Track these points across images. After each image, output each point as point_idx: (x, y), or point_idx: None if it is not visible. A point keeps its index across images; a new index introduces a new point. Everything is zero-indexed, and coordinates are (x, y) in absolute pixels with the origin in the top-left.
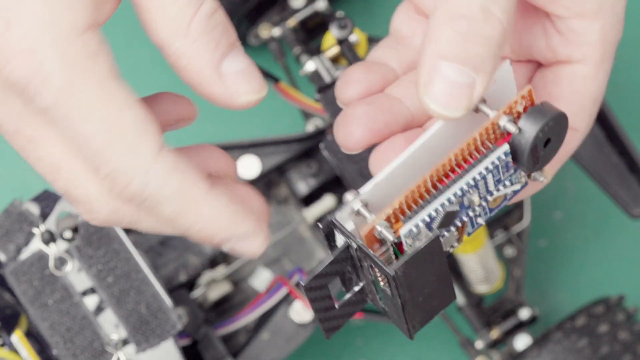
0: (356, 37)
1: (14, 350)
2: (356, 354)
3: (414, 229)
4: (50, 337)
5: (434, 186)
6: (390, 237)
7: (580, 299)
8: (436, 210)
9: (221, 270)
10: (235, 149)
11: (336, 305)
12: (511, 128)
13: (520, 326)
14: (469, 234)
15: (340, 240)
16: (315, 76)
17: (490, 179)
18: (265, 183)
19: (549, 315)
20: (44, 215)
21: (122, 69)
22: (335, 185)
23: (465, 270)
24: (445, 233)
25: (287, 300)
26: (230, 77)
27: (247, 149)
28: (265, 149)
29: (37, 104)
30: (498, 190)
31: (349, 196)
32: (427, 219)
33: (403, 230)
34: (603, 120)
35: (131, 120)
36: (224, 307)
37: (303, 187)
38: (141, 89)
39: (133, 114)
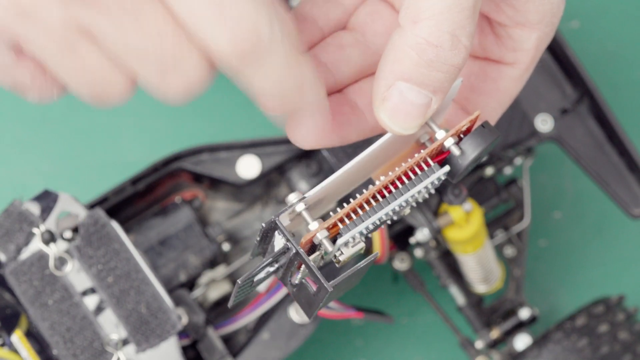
0: None
1: (14, 350)
2: (356, 354)
3: (351, 240)
4: (50, 337)
5: (374, 198)
6: (329, 248)
7: (580, 299)
8: (374, 223)
9: (221, 270)
10: (235, 149)
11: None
12: (455, 151)
13: (520, 326)
14: None
15: (278, 240)
16: None
17: (423, 193)
18: (265, 183)
19: (549, 315)
20: (44, 216)
21: None
22: None
23: (465, 270)
24: (370, 235)
25: (287, 300)
26: None
27: (247, 149)
28: (265, 149)
29: None
30: (422, 198)
31: (292, 197)
32: (364, 231)
33: (341, 240)
34: (603, 120)
35: None
36: (224, 307)
37: (303, 187)
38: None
39: None
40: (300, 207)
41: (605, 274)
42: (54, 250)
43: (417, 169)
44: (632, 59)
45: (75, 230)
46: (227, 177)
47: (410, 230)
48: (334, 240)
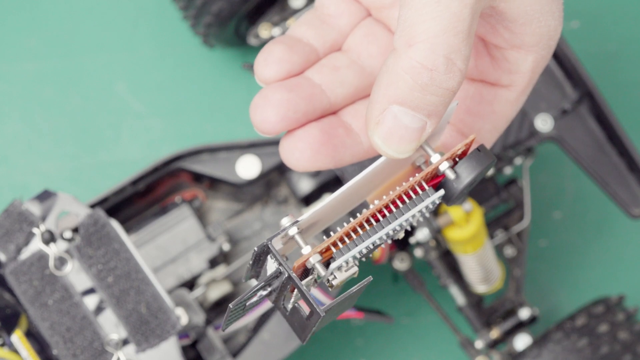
0: None
1: (14, 350)
2: (356, 354)
3: (344, 264)
4: (50, 337)
5: (368, 222)
6: (322, 272)
7: (580, 299)
8: (367, 248)
9: (221, 270)
10: (235, 149)
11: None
12: (450, 175)
13: (520, 326)
14: None
15: (271, 264)
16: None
17: (418, 217)
18: (265, 183)
19: (549, 315)
20: (44, 215)
21: (124, 67)
22: (335, 185)
23: (465, 270)
24: (363, 259)
25: None
26: None
27: (247, 149)
28: (265, 149)
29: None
30: (418, 222)
31: (285, 221)
32: (358, 255)
33: (334, 265)
34: (603, 120)
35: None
36: (224, 307)
37: (303, 187)
38: (142, 85)
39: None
40: (293, 231)
41: (605, 274)
42: (54, 250)
43: (411, 193)
44: (632, 59)
45: (75, 230)
46: (227, 177)
47: (410, 231)
48: (327, 264)
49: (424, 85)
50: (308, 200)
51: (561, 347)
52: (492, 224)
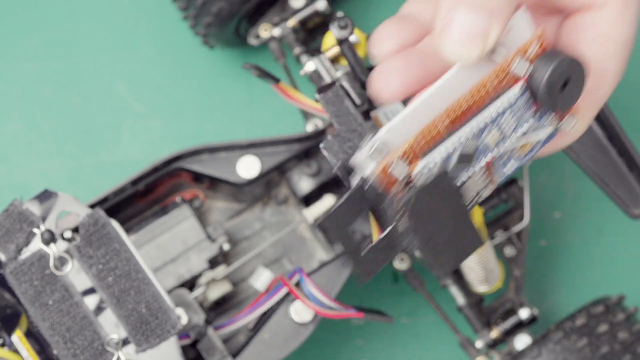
0: (356, 37)
1: (14, 350)
2: (356, 354)
3: (431, 165)
4: (51, 337)
5: (450, 124)
6: (404, 171)
7: (580, 299)
8: (453, 146)
9: (221, 270)
10: (235, 149)
11: (364, 251)
12: (524, 66)
13: (520, 326)
14: (502, 177)
15: (355, 180)
16: (315, 76)
17: (508, 117)
18: (265, 183)
19: (549, 315)
20: (44, 215)
21: (124, 67)
22: (335, 185)
23: (465, 270)
24: (466, 172)
25: (287, 300)
26: None
27: (247, 149)
28: (265, 149)
29: None
30: (523, 132)
31: (381, 133)
32: (444, 155)
33: (418, 167)
34: (603, 120)
35: None
36: (224, 307)
37: (303, 187)
38: (142, 85)
39: None
40: (374, 143)
41: (605, 274)
42: (54, 250)
43: (490, 91)
44: (632, 59)
45: (75, 230)
46: (227, 177)
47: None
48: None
49: None
50: (308, 200)
51: (561, 347)
52: (492, 224)
